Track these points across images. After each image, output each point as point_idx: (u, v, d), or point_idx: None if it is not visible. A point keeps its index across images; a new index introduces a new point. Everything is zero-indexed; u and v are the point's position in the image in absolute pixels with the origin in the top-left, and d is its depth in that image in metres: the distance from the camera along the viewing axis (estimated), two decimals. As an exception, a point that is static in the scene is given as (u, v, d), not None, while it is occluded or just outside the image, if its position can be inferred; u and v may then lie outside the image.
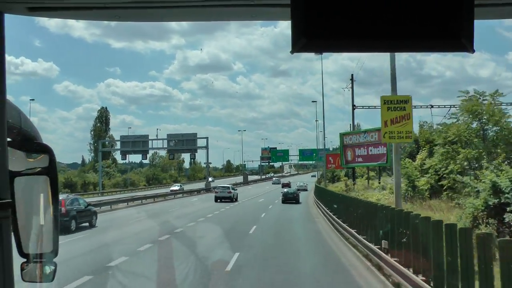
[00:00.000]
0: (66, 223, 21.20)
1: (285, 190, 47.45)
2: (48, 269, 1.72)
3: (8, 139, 1.55)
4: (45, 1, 1.50)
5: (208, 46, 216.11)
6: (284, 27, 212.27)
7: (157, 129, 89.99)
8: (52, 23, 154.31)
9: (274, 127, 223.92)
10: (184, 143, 69.39)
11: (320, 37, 1.08)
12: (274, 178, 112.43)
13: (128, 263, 13.27)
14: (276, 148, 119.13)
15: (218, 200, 43.87)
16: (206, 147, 70.62)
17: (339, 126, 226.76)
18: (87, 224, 23.91)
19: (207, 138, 72.05)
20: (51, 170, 1.70)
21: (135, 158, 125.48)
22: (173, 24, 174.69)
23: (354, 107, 46.78)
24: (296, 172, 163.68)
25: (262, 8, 1.49)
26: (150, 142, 71.69)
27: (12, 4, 1.52)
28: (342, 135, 49.27)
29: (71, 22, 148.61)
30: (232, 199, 45.27)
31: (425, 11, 1.08)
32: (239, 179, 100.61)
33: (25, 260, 1.71)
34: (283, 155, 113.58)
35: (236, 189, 51.17)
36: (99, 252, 15.89)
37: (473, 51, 1.12)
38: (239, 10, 1.52)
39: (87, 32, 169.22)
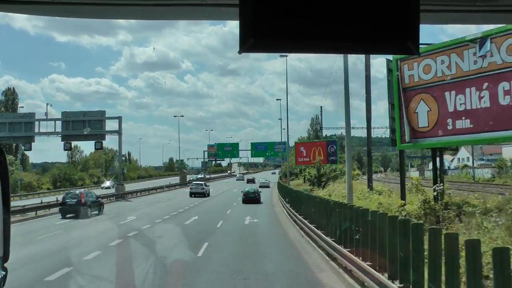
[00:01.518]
0: (84, 210, 28.64)
1: (246, 189, 43.58)
2: None
3: None
4: None
5: (156, 43, 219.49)
6: (233, 26, 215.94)
7: (48, 104, 67.12)
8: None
9: (222, 127, 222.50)
10: (86, 125, 46.41)
11: (268, 38, 1.08)
12: (238, 175, 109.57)
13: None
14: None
15: (193, 195, 47.05)
16: (119, 132, 47.61)
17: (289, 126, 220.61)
18: (97, 212, 30.36)
19: (120, 118, 48.98)
20: (1, 171, 1.58)
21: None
22: (121, 20, 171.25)
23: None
24: (246, 171, 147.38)
25: (212, 7, 1.49)
26: (37, 124, 48.30)
27: None
28: (398, 61, 18.51)
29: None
30: (205, 194, 48.04)
31: (373, 15, 1.08)
32: (179, 179, 79.16)
33: None
34: (232, 149, 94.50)
35: (208, 185, 53.87)
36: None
37: (418, 54, 1.14)
38: (190, 9, 1.52)
39: (29, 24, 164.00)
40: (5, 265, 1.68)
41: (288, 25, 1.06)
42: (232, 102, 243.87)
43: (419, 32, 1.11)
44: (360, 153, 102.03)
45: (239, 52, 1.11)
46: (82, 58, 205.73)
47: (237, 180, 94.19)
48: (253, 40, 1.07)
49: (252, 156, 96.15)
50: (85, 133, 44.40)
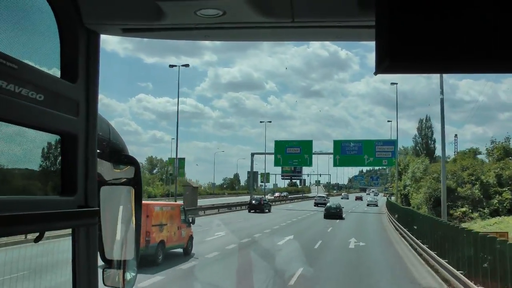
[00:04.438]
0: (263, 207, 50.33)
1: (328, 205, 49.98)
2: (129, 275, 1.69)
3: (98, 151, 1.61)
4: (139, 23, 1.52)
5: (241, 64, 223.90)
6: (317, 47, 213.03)
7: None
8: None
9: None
10: None
11: (404, 59, 1.07)
12: (343, 194, 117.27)
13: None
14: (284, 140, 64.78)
15: (317, 205, 66.56)
16: None
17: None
18: (267, 210, 51.84)
19: None
20: (136, 181, 1.69)
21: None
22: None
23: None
24: (327, 193, 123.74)
25: (347, 29, 1.49)
26: None
27: (109, 26, 1.56)
28: None
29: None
30: (326, 204, 57.78)
31: (505, 33, 1.05)
32: (210, 201, 59.28)
33: (106, 265, 1.70)
34: (300, 152, 56.65)
35: (329, 198, 76.99)
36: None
37: None
38: (325, 31, 1.53)
39: (120, 46, 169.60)
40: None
41: (423, 46, 1.04)
42: (315, 123, 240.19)
43: None
44: None
45: (375, 73, 1.10)
46: (168, 79, 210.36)
47: (341, 198, 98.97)
48: (389, 61, 1.05)
49: (335, 165, 57.86)
50: None
